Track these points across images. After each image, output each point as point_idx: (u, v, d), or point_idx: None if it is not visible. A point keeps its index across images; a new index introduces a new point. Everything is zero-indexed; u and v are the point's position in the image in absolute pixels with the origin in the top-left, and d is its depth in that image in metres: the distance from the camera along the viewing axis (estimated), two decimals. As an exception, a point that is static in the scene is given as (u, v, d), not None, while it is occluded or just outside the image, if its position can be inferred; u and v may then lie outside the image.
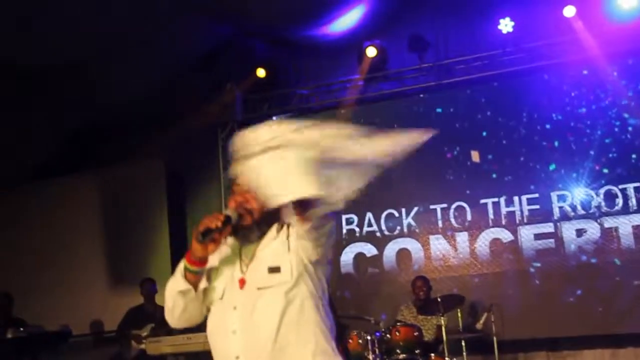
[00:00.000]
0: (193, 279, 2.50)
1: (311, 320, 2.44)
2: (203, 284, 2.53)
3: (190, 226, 9.05)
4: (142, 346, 6.97)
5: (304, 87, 8.66)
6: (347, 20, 8.18)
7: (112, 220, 8.79)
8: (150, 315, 7.31)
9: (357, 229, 8.08)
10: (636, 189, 7.14)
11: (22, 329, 7.13)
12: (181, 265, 2.53)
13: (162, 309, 7.44)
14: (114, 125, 8.42)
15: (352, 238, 8.08)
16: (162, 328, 7.00)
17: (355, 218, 8.09)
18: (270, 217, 2.54)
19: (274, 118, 8.74)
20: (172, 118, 8.16)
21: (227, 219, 2.46)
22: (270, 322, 2.40)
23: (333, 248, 2.62)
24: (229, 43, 8.47)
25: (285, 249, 2.49)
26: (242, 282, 2.48)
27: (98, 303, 8.33)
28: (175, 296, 2.53)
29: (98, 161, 8.69)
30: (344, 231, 8.11)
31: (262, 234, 2.55)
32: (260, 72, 8.43)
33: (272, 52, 8.74)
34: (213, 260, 2.55)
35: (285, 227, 2.55)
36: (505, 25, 7.62)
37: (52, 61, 7.06)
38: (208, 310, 2.58)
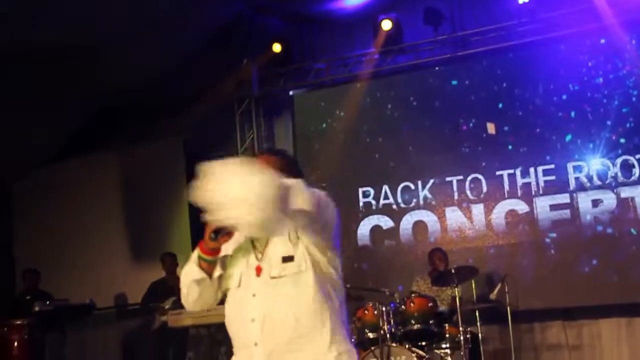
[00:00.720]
0: (207, 267, 2.54)
1: (326, 308, 2.48)
2: (217, 271, 2.56)
3: (209, 202, 9.19)
4: (165, 318, 7.18)
5: (319, 61, 8.69)
6: (361, -7, 8.20)
7: (134, 198, 8.97)
8: (171, 288, 7.44)
9: (373, 202, 8.15)
10: (653, 159, 7.13)
11: (48, 302, 7.39)
12: (195, 254, 2.56)
13: None
14: (133, 105, 8.56)
15: (368, 211, 8.16)
16: None
17: (372, 191, 8.16)
18: None
19: (291, 93, 8.85)
20: (189, 96, 8.27)
21: None
22: (288, 311, 2.44)
23: (341, 236, 2.62)
24: (244, 19, 8.52)
25: (296, 238, 2.51)
26: (259, 270, 2.51)
27: (121, 277, 8.56)
28: (190, 284, 2.57)
29: (119, 140, 8.82)
30: (361, 204, 8.19)
31: None
32: (276, 47, 8.48)
33: (287, 27, 8.78)
34: (227, 248, 2.57)
35: None
36: (521, -5, 7.57)
37: (68, 42, 7.17)
38: (224, 295, 2.61)
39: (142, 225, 8.80)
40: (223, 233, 2.43)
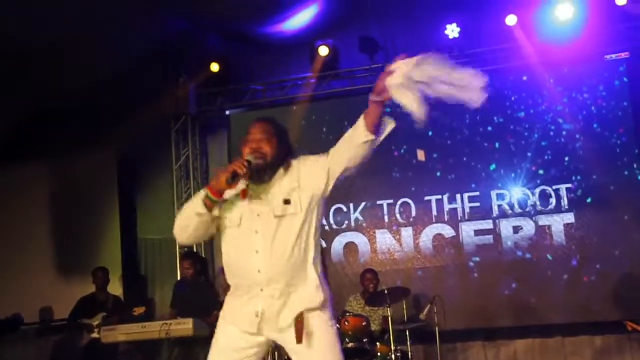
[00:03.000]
0: (211, 206, 2.99)
1: (313, 246, 3.04)
2: (216, 211, 3.02)
3: (141, 217, 9.15)
4: (94, 335, 7.07)
5: (257, 83, 8.84)
6: (300, 19, 8.38)
7: (63, 209, 8.80)
8: (102, 304, 7.40)
9: (306, 223, 8.30)
10: (568, 190, 7.63)
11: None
12: (202, 193, 3.01)
13: (114, 298, 7.59)
14: (66, 114, 8.40)
15: (301, 231, 8.30)
16: (114, 317, 7.14)
17: (305, 212, 8.32)
18: (279, 160, 3.08)
19: (227, 112, 8.94)
20: (125, 109, 8.21)
21: (249, 164, 2.96)
22: (287, 244, 2.96)
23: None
24: (185, 36, 8.57)
25: (296, 185, 3.04)
26: (261, 212, 3.00)
27: (48, 291, 8.35)
28: (191, 216, 3.03)
29: (49, 150, 8.64)
30: (294, 224, 8.33)
31: (273, 174, 3.06)
32: (214, 67, 8.57)
33: (226, 46, 8.88)
34: (227, 194, 3.01)
35: (294, 167, 3.11)
36: (452, 31, 7.99)
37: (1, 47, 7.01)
38: (215, 233, 3.11)
39: (72, 239, 8.62)
40: (238, 178, 2.92)
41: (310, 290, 3.01)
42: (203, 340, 6.40)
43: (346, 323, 6.13)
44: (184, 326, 6.17)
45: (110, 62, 8.12)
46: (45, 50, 7.36)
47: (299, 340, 2.92)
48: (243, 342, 3.05)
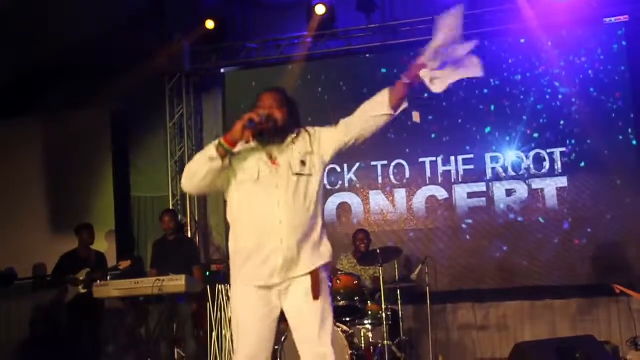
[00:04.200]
0: (223, 154, 3.09)
1: (321, 206, 3.26)
2: (227, 161, 3.12)
3: (134, 173, 9.15)
4: (80, 289, 7.08)
5: (252, 40, 8.75)
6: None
7: (57, 167, 8.77)
8: (84, 260, 7.30)
9: (300, 183, 8.32)
10: (562, 154, 7.63)
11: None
12: (215, 142, 3.12)
13: (96, 254, 7.59)
14: (60, 71, 8.33)
15: (294, 191, 8.32)
16: (98, 272, 7.13)
17: (299, 172, 8.33)
18: (288, 127, 3.23)
19: (222, 70, 8.87)
20: (119, 66, 8.14)
21: (267, 117, 3.13)
22: (305, 199, 3.16)
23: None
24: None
25: (309, 149, 3.23)
26: (278, 167, 3.16)
27: (41, 248, 8.34)
28: (203, 162, 3.11)
29: (42, 107, 8.59)
30: (287, 184, 8.35)
31: (283, 140, 3.20)
32: (209, 24, 8.46)
33: (222, 3, 8.79)
34: (239, 148, 3.15)
35: (305, 134, 3.28)
36: (451, -10, 7.89)
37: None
38: (222, 186, 3.21)
39: (65, 196, 8.61)
40: (254, 125, 3.07)
41: (323, 247, 3.24)
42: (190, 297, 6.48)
43: (338, 281, 6.18)
44: (177, 282, 6.21)
45: (103, 18, 8.02)
46: (38, 6, 7.26)
47: (316, 295, 3.11)
48: (261, 306, 3.15)
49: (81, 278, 7.13)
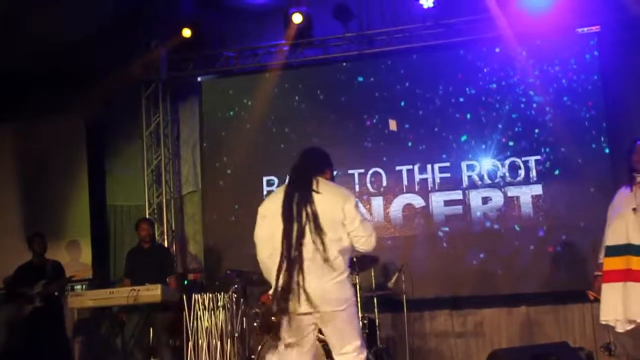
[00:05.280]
0: None
1: None
2: None
3: (109, 182, 9.08)
4: (35, 304, 6.97)
5: (229, 49, 8.74)
6: (274, -15, 8.33)
7: (31, 174, 8.68)
8: (39, 270, 7.18)
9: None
10: (537, 162, 7.70)
11: None
12: None
13: (52, 263, 7.45)
14: (34, 78, 8.25)
15: (272, 199, 8.31)
16: (52, 284, 7.01)
17: (276, 180, 8.33)
18: None
19: (199, 79, 8.85)
20: (94, 74, 8.10)
21: None
22: None
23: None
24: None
25: None
26: None
27: (14, 257, 8.19)
28: None
29: (17, 114, 8.50)
30: (265, 192, 8.34)
31: None
32: (186, 32, 8.44)
33: (199, 11, 8.75)
34: None
35: None
36: (426, 0, 7.95)
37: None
38: None
39: (39, 205, 8.52)
40: None
41: None
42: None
43: (314, 290, 6.16)
44: (152, 292, 6.17)
45: (79, 25, 7.96)
46: (11, 14, 7.19)
47: None
48: None
49: (36, 291, 6.99)
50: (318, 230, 3.51)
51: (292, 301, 3.48)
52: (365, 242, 3.63)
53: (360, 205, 3.92)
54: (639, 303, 4.21)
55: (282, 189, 3.78)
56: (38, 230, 7.53)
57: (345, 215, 3.58)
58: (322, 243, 3.49)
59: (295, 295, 3.46)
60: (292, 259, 3.47)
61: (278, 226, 3.58)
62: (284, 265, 3.48)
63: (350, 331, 3.60)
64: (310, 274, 3.48)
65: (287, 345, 3.59)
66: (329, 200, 3.60)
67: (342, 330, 3.58)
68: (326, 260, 3.50)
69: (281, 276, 3.50)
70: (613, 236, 4.38)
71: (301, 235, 3.50)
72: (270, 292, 3.63)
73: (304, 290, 3.46)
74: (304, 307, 3.48)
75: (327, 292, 3.50)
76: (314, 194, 3.60)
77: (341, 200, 3.61)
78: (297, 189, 3.65)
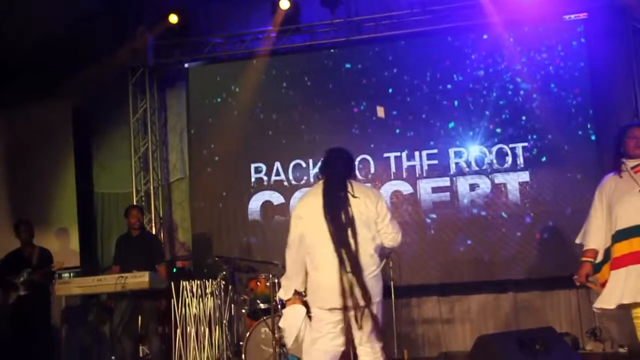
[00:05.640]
0: None
1: None
2: None
3: (97, 169, 9.03)
4: (19, 292, 6.93)
5: (216, 35, 8.69)
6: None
7: (18, 161, 8.59)
8: (27, 258, 7.13)
9: (265, 178, 8.32)
10: (524, 149, 7.73)
11: None
12: None
13: (40, 251, 7.38)
14: (20, 65, 8.18)
15: (260, 186, 8.32)
16: (36, 272, 6.99)
17: (264, 167, 8.33)
18: None
19: (186, 65, 8.79)
20: (80, 60, 8.04)
21: None
22: None
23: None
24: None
25: None
26: None
27: (1, 246, 8.19)
28: None
29: (3, 101, 8.40)
30: (252, 179, 8.34)
31: None
32: (173, 18, 8.39)
33: (185, -2, 8.71)
34: None
35: None
36: (414, -14, 7.94)
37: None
38: None
39: (26, 192, 8.45)
40: None
41: None
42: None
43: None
44: (140, 279, 6.15)
45: (65, 11, 7.90)
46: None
47: None
48: None
49: (20, 280, 6.95)
50: (354, 231, 3.83)
51: (340, 296, 3.78)
52: (393, 239, 4.03)
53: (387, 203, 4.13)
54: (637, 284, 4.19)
55: (316, 191, 4.04)
56: (23, 217, 7.46)
57: (378, 213, 3.96)
58: (357, 243, 3.83)
59: (341, 290, 3.78)
60: (338, 258, 3.80)
61: (314, 227, 3.90)
62: (329, 263, 3.82)
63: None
64: (353, 271, 3.80)
65: (324, 337, 3.90)
66: (364, 201, 3.93)
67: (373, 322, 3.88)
68: (364, 257, 3.83)
69: (326, 274, 3.83)
70: (623, 220, 4.35)
71: (343, 236, 3.82)
72: (298, 287, 4.08)
73: (350, 286, 3.77)
74: (348, 301, 3.78)
75: (367, 286, 3.81)
76: (350, 197, 3.92)
77: (375, 200, 3.98)
78: (334, 193, 3.95)
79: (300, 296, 4.21)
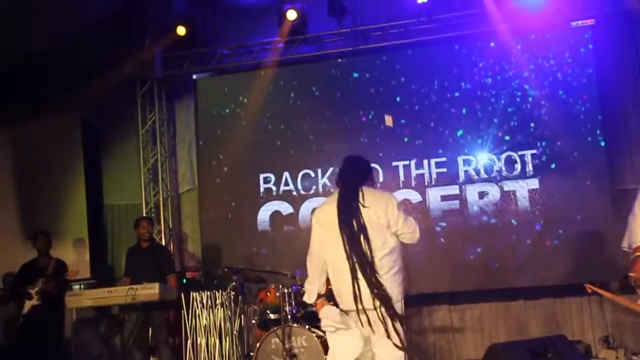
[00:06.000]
0: None
1: None
2: None
3: (106, 181, 9.08)
4: (34, 302, 6.95)
5: (223, 46, 8.73)
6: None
7: (27, 174, 8.66)
8: (42, 269, 7.14)
9: (274, 188, 8.33)
10: (533, 156, 7.71)
11: None
12: None
13: (56, 262, 7.41)
14: (30, 76, 8.24)
15: (269, 197, 8.33)
16: (50, 282, 6.99)
17: (273, 177, 8.34)
18: None
19: (194, 77, 8.84)
20: (89, 73, 8.09)
21: None
22: None
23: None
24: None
25: None
26: None
27: (12, 257, 8.19)
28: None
29: (12, 113, 8.46)
30: (262, 190, 8.35)
31: None
32: (180, 30, 8.45)
33: (193, 9, 8.78)
34: None
35: None
36: (420, -5, 7.95)
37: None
38: None
39: (36, 204, 8.50)
40: None
41: None
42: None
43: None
44: (150, 290, 6.16)
45: (73, 24, 7.97)
46: (3, 11, 7.17)
47: None
48: None
49: (35, 289, 6.98)
50: (367, 238, 4.04)
51: (352, 300, 4.05)
52: (411, 237, 4.27)
53: (400, 204, 4.29)
54: None
55: (332, 199, 4.30)
56: (43, 228, 7.50)
57: (389, 218, 4.13)
58: (371, 249, 4.05)
59: (353, 294, 4.05)
60: (350, 263, 4.05)
61: (330, 234, 4.15)
62: (343, 269, 4.07)
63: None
64: (365, 276, 4.04)
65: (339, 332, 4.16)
66: (375, 210, 4.11)
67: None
68: (378, 261, 4.06)
69: (341, 279, 4.10)
70: None
71: (356, 243, 4.05)
72: (320, 290, 4.31)
73: (360, 290, 4.04)
74: (359, 304, 4.05)
75: (381, 289, 4.06)
76: (360, 207, 4.11)
77: (384, 205, 4.14)
78: (347, 202, 4.17)
79: (324, 298, 4.34)
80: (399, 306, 4.12)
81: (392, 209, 4.15)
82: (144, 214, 8.38)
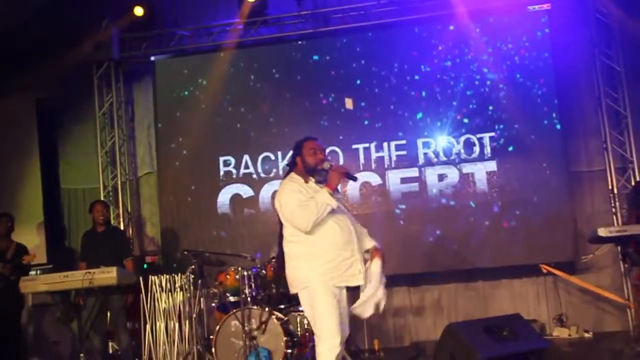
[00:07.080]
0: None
1: None
2: None
3: (63, 164, 8.91)
4: None
5: (183, 28, 8.61)
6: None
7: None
8: (1, 252, 6.96)
9: (234, 171, 8.29)
10: (491, 138, 7.81)
11: None
12: (325, 192, 3.94)
13: (17, 246, 7.19)
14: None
15: (229, 180, 8.29)
16: (6, 266, 6.84)
17: (233, 160, 8.29)
18: None
19: (152, 58, 8.70)
20: (43, 53, 7.90)
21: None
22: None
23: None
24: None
25: None
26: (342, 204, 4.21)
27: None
28: (325, 210, 3.92)
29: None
30: (221, 173, 8.30)
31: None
32: (138, 11, 8.31)
33: (151, -11, 8.61)
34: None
35: None
36: (381, -23, 7.95)
37: None
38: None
39: (-10, 188, 8.33)
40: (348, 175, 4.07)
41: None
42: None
43: (272, 269, 6.20)
44: (108, 275, 6.03)
45: (29, 3, 7.76)
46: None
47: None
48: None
49: None
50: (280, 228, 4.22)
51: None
52: (294, 226, 4.08)
53: (284, 195, 4.12)
54: None
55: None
56: (6, 211, 7.31)
57: (277, 210, 4.20)
58: (281, 236, 4.23)
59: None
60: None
61: None
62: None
63: None
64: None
65: None
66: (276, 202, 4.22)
67: None
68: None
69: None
70: None
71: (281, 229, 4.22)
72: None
73: None
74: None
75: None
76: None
77: (276, 199, 4.20)
78: None
79: None
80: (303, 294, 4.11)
81: (277, 201, 4.16)
82: (102, 198, 8.26)
